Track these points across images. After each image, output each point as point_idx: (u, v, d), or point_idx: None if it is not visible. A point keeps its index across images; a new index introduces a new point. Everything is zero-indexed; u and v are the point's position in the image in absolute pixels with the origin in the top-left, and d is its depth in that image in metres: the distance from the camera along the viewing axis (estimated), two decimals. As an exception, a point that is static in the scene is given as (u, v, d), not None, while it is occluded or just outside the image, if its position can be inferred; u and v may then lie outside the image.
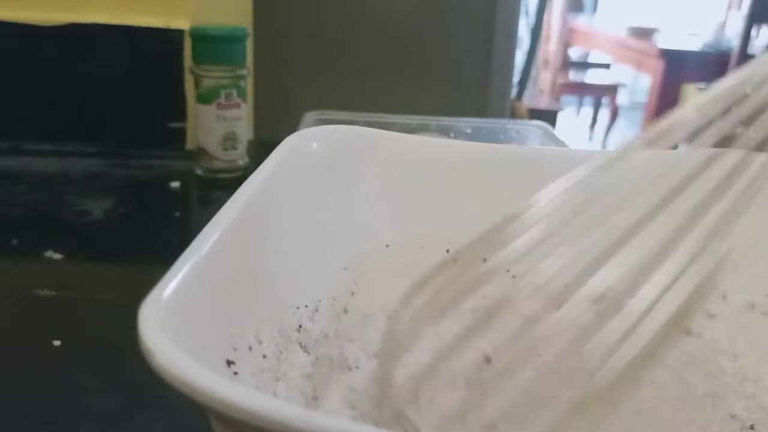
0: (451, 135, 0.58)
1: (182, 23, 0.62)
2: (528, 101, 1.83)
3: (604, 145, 3.04)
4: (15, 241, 0.45)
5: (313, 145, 0.33)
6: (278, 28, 0.86)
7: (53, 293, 0.38)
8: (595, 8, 3.68)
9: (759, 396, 0.27)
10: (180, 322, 0.18)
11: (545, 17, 1.87)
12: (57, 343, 0.33)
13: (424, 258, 0.34)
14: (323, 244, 0.31)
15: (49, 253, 0.43)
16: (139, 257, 0.44)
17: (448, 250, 0.34)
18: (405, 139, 0.36)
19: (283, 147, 0.31)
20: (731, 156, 0.21)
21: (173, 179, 0.59)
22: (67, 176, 0.58)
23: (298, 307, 0.28)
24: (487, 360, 0.21)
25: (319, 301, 0.30)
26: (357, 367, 0.28)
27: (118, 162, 0.62)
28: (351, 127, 0.35)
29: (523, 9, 1.11)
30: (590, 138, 3.22)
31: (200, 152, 0.59)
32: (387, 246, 0.34)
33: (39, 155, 0.62)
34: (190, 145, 0.64)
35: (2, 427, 0.28)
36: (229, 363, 0.21)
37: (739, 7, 3.02)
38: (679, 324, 0.18)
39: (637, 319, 0.18)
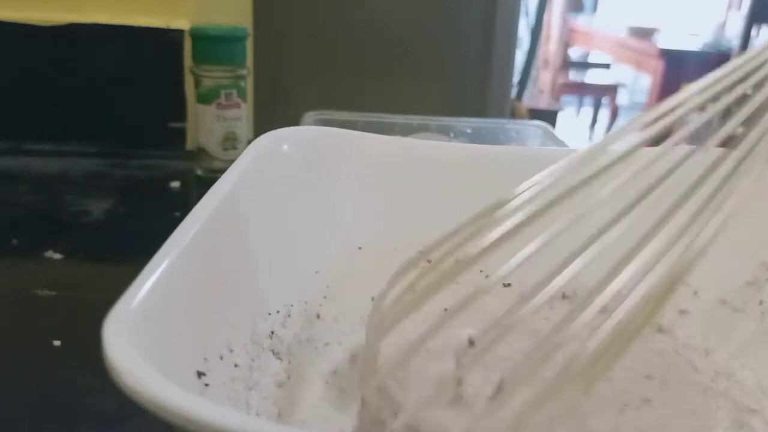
0: (451, 135, 0.58)
1: (182, 23, 0.62)
2: (528, 101, 1.83)
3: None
4: (15, 241, 0.45)
5: (283, 146, 0.32)
6: (278, 28, 0.86)
7: (53, 293, 0.38)
8: (595, 8, 3.67)
9: (732, 391, 0.27)
10: (148, 335, 0.17)
11: (545, 17, 1.87)
12: (57, 343, 0.33)
13: (396, 260, 0.33)
14: (294, 247, 0.31)
15: (49, 253, 0.43)
16: (139, 257, 0.44)
17: (421, 251, 0.34)
18: (377, 139, 0.35)
19: (253, 149, 0.30)
20: (707, 153, 0.22)
21: (173, 179, 0.59)
22: (67, 176, 0.58)
23: (269, 313, 0.27)
24: (471, 342, 0.21)
25: (291, 306, 0.29)
26: (328, 380, 0.28)
27: (118, 162, 0.62)
28: (323, 128, 0.34)
29: (523, 9, 1.11)
30: (590, 138, 3.22)
31: (200, 152, 0.59)
32: (360, 248, 0.33)
33: (39, 155, 0.62)
34: (190, 145, 0.64)
35: (2, 427, 0.28)
36: (200, 374, 0.20)
37: (739, 7, 3.02)
38: (649, 318, 0.18)
39: (605, 312, 0.18)
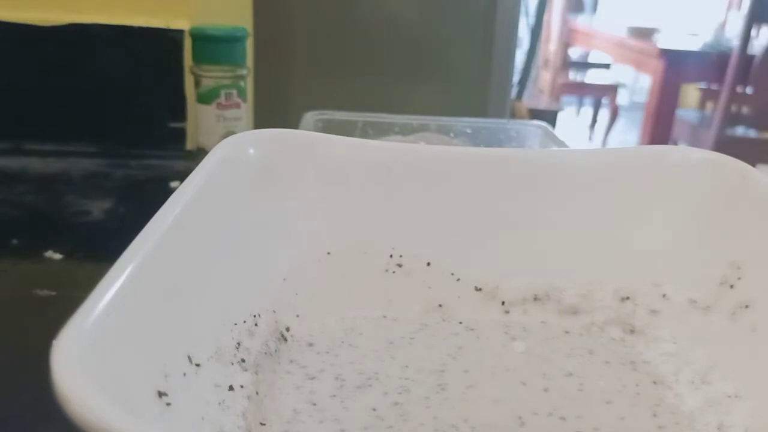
0: (451, 135, 0.58)
1: (182, 23, 0.62)
2: (528, 101, 1.83)
3: (604, 145, 3.04)
4: (15, 241, 0.45)
5: (247, 150, 0.31)
6: (278, 28, 0.86)
7: (53, 293, 0.38)
8: (595, 8, 3.67)
9: (704, 393, 0.27)
10: (102, 356, 0.16)
11: (545, 17, 1.86)
12: (57, 343, 0.33)
13: (367, 265, 0.33)
14: (260, 254, 0.30)
15: (49, 253, 0.43)
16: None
17: (391, 256, 0.33)
18: (343, 142, 0.34)
19: (217, 152, 0.29)
20: None
21: (173, 179, 0.59)
22: (67, 176, 0.58)
23: (235, 324, 0.26)
24: None
25: (259, 315, 0.28)
26: (300, 386, 0.27)
27: (118, 162, 0.62)
28: (289, 131, 0.33)
29: (523, 9, 1.11)
30: (590, 138, 3.22)
31: (200, 152, 0.59)
32: (328, 253, 0.32)
33: (39, 155, 0.62)
34: (190, 145, 0.64)
35: (2, 427, 0.28)
36: (161, 394, 0.19)
37: (739, 7, 3.01)
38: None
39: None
